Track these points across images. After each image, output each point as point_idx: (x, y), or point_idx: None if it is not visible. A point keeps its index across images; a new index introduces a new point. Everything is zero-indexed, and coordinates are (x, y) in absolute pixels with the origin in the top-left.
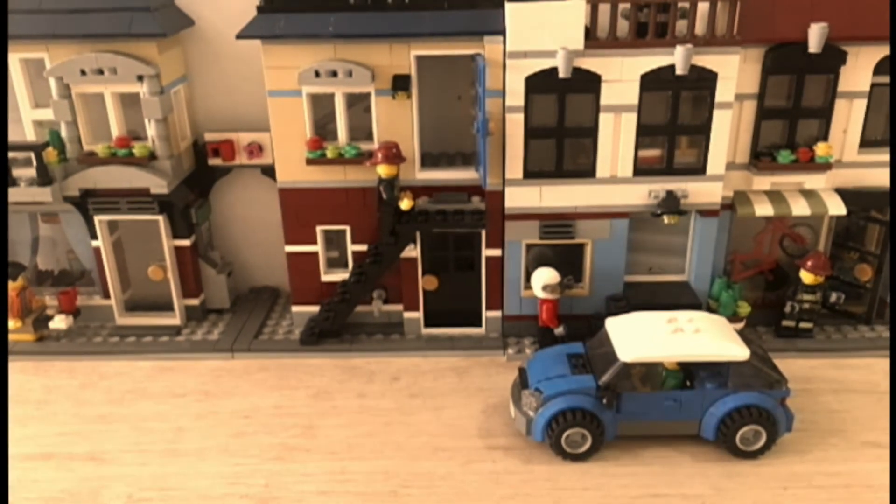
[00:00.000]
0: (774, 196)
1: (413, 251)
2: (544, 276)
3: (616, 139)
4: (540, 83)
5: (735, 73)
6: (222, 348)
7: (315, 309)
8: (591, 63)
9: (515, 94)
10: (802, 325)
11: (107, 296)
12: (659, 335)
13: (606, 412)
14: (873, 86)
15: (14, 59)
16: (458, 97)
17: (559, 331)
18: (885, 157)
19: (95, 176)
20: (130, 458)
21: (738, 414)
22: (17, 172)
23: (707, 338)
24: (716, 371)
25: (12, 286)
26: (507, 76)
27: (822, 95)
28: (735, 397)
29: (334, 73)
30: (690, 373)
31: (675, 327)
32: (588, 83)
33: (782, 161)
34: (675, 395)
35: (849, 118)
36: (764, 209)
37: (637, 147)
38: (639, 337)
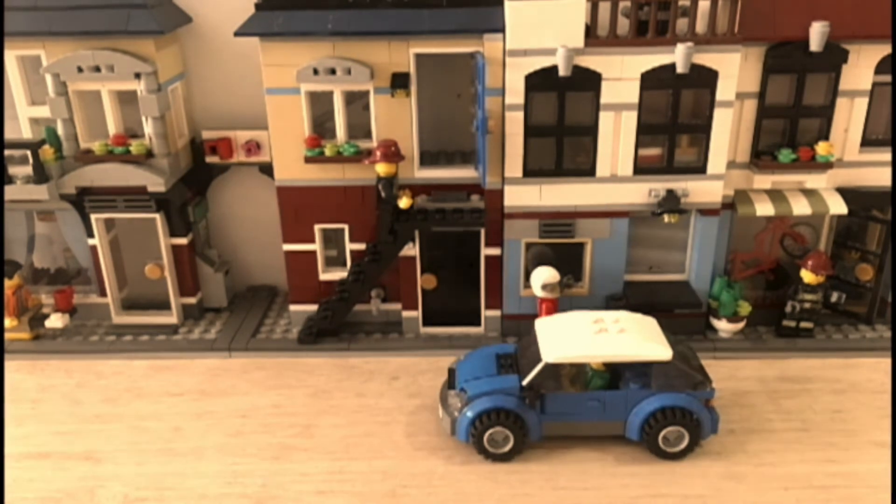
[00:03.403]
0: (775, 195)
1: (412, 250)
2: (544, 276)
3: (616, 138)
4: (540, 81)
5: (736, 72)
6: (220, 347)
7: (313, 308)
8: (591, 61)
9: (515, 93)
10: (803, 324)
11: (103, 294)
12: (583, 336)
13: (530, 412)
14: (874, 85)
15: (10, 56)
16: (458, 95)
17: None
18: (887, 156)
19: (92, 174)
20: (127, 458)
21: (660, 415)
22: (13, 170)
23: (630, 338)
24: (641, 372)
25: (8, 284)
26: (506, 74)
27: (823, 94)
28: (658, 398)
29: (333, 71)
30: (617, 374)
31: (601, 328)
32: (588, 81)
33: (783, 160)
34: (598, 396)
35: (850, 117)
36: (765, 208)
37: (637, 146)
38: (564, 337)
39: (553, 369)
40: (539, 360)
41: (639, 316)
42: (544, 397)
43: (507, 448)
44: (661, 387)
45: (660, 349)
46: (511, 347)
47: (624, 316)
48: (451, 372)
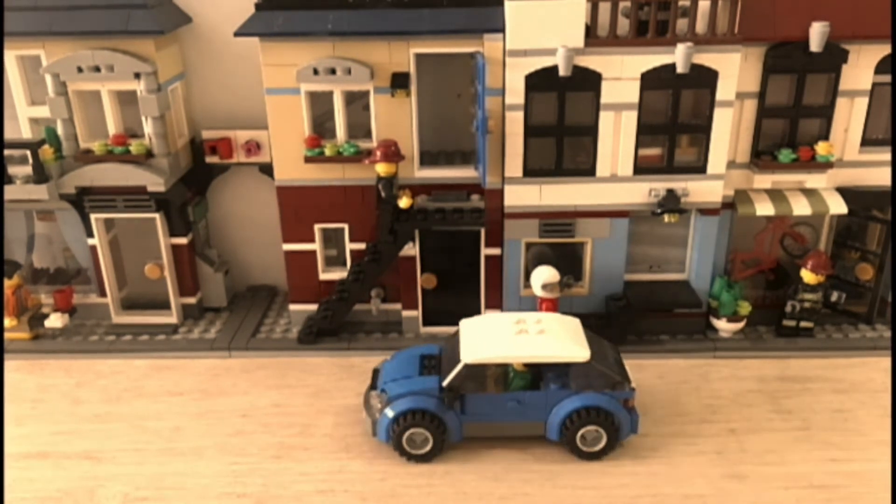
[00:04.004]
0: (775, 195)
1: (412, 250)
2: (544, 275)
3: (616, 138)
4: (540, 81)
5: (736, 72)
6: (219, 347)
7: (313, 307)
8: (591, 61)
9: (515, 93)
10: (803, 324)
11: (103, 294)
12: (503, 336)
13: (450, 413)
14: (874, 85)
15: (10, 56)
16: (458, 95)
17: None
18: (887, 156)
19: (92, 174)
20: (127, 458)
21: (578, 415)
22: (13, 170)
23: (549, 339)
24: (561, 373)
25: (8, 284)
26: (506, 74)
27: (823, 94)
28: (577, 398)
29: (333, 71)
30: (539, 374)
31: (521, 329)
32: (588, 81)
33: (783, 160)
34: (518, 397)
35: (850, 117)
36: (765, 208)
37: (637, 145)
38: (484, 338)
39: (475, 370)
40: (458, 361)
41: (562, 317)
42: (464, 398)
43: (426, 449)
44: (580, 387)
45: (577, 350)
46: (436, 348)
47: (546, 317)
48: (376, 372)
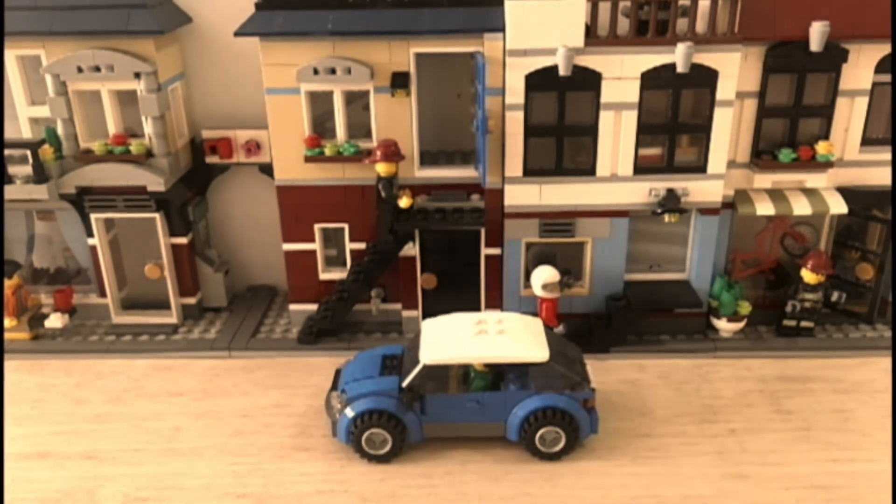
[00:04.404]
0: (775, 195)
1: (412, 250)
2: (544, 275)
3: (616, 137)
4: (540, 81)
5: (736, 72)
6: (219, 347)
7: (313, 307)
8: (591, 61)
9: (515, 92)
10: (804, 324)
11: (103, 294)
12: (463, 337)
13: (409, 414)
14: (874, 84)
15: (10, 56)
16: (458, 95)
17: (559, 329)
18: (887, 155)
19: (92, 173)
20: (127, 458)
21: (537, 416)
22: (13, 170)
23: (508, 339)
24: (521, 373)
25: (8, 284)
26: (506, 74)
27: (823, 94)
28: (536, 399)
29: (333, 71)
30: (499, 375)
31: (481, 329)
32: (588, 81)
33: (783, 160)
34: (477, 397)
35: (850, 117)
36: (765, 208)
37: (637, 145)
38: (444, 339)
39: (436, 371)
40: (419, 361)
41: (524, 317)
42: (424, 399)
43: (385, 450)
44: (540, 388)
45: (536, 350)
46: (400, 349)
47: (508, 317)
48: (338, 373)
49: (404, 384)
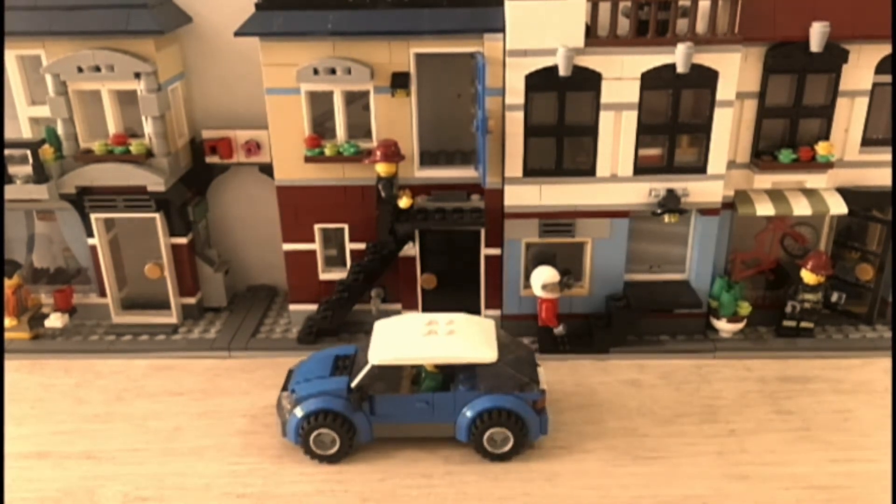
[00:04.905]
0: (775, 195)
1: (412, 250)
2: (544, 275)
3: (616, 138)
4: (540, 81)
5: (736, 72)
6: (219, 347)
7: (313, 307)
8: (591, 61)
9: (515, 93)
10: (803, 324)
11: (103, 294)
12: (412, 337)
13: (358, 414)
14: (875, 85)
15: (10, 56)
16: (458, 95)
17: (559, 330)
18: (887, 156)
19: (92, 173)
20: (127, 457)
21: (482, 417)
22: (13, 170)
23: (456, 340)
24: (471, 374)
25: (8, 284)
26: (506, 74)
27: (823, 94)
28: (484, 399)
29: (333, 71)
30: (450, 376)
31: (431, 329)
32: (588, 81)
33: (783, 160)
34: (426, 398)
35: (850, 117)
36: (765, 208)
37: (637, 146)
38: (394, 339)
39: (387, 371)
40: (367, 362)
41: (475, 318)
42: (373, 399)
43: (333, 450)
44: (489, 389)
45: (484, 351)
46: (353, 349)
47: (459, 318)
48: (290, 373)
49: (353, 384)
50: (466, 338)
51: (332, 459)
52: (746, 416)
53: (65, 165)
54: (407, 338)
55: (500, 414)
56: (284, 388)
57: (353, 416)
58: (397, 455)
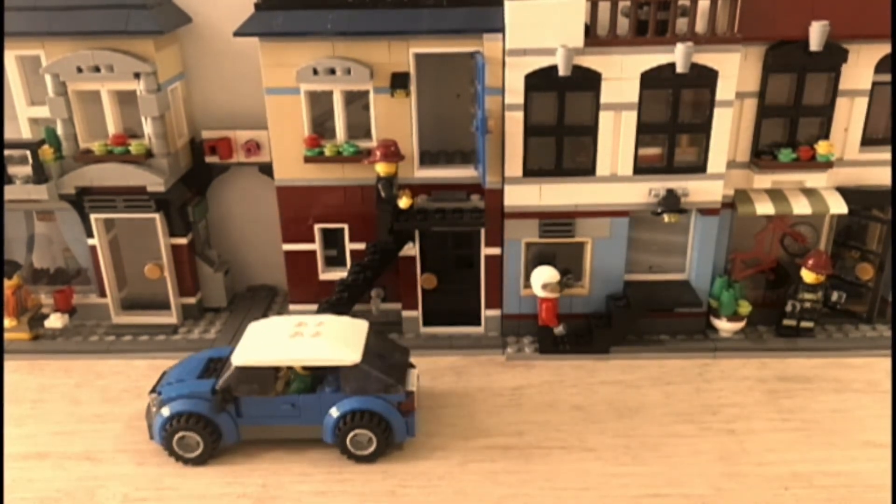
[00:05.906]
0: (775, 194)
1: (412, 250)
2: (544, 275)
3: (616, 137)
4: (539, 81)
5: (736, 72)
6: (219, 347)
7: (313, 307)
8: (591, 61)
9: (515, 92)
10: (803, 324)
11: (103, 294)
12: (277, 339)
13: (223, 416)
14: (874, 84)
15: (10, 56)
16: (458, 95)
17: (559, 330)
18: (887, 155)
19: (91, 174)
20: (126, 458)
21: (345, 419)
22: (12, 170)
23: (320, 342)
24: (338, 376)
25: (8, 284)
26: (506, 74)
27: (823, 94)
28: (348, 401)
29: (332, 71)
30: (319, 378)
31: (298, 331)
32: (588, 81)
33: (783, 159)
34: (292, 400)
35: (850, 116)
36: (765, 208)
37: (637, 145)
38: (260, 341)
39: (256, 373)
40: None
41: (348, 320)
42: (239, 401)
43: (198, 452)
44: (354, 391)
45: (346, 353)
46: (228, 351)
47: (329, 319)
48: (163, 375)
49: (216, 386)
50: (331, 340)
51: (196, 462)
52: (746, 415)
53: (64, 166)
54: (273, 339)
55: (364, 415)
56: (153, 391)
57: (217, 419)
58: (395, 454)
